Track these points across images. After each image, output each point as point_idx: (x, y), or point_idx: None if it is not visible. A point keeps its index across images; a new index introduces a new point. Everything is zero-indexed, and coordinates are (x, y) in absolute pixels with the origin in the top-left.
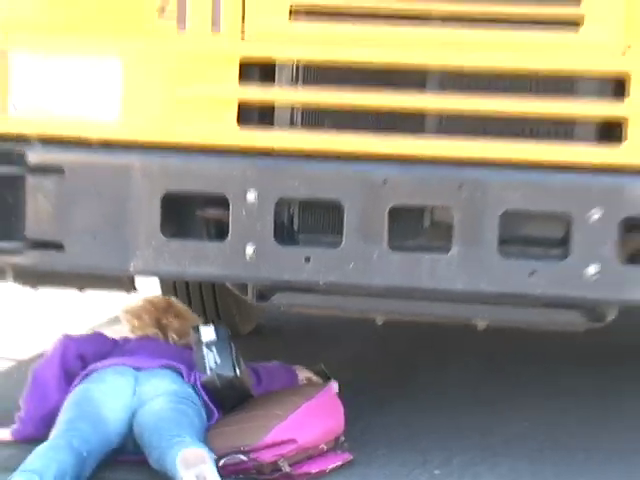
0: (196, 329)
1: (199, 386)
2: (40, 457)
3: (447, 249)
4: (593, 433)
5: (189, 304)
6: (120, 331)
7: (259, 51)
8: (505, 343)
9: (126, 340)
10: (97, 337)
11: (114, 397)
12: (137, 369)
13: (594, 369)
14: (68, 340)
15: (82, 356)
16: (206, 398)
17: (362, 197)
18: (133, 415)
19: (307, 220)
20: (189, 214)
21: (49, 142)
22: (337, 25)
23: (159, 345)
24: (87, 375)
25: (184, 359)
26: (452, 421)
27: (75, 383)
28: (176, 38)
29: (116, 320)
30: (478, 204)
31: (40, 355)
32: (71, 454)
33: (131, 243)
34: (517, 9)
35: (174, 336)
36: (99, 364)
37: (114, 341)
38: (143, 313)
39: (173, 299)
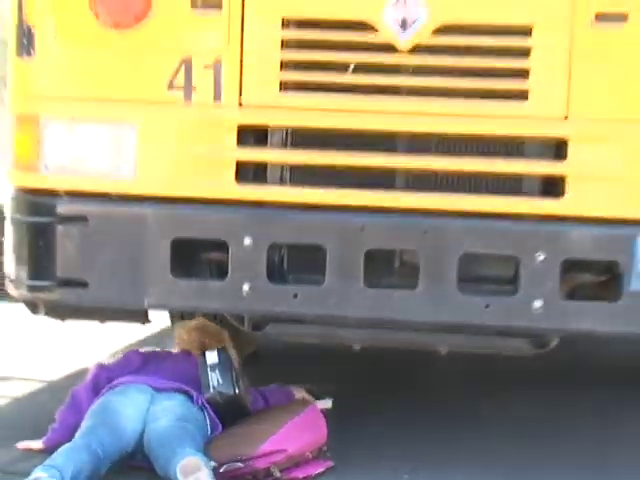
0: (202, 354)
1: (205, 404)
2: (61, 455)
3: (414, 286)
4: (555, 444)
5: None
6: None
7: (254, 119)
8: (478, 364)
9: (154, 355)
10: (125, 360)
11: (132, 409)
12: (156, 389)
13: (545, 387)
14: (100, 367)
15: (111, 379)
16: (212, 414)
17: (342, 242)
18: (144, 428)
19: (295, 261)
20: (195, 256)
21: (75, 196)
22: (321, 97)
23: (181, 365)
24: (112, 388)
25: (199, 379)
26: (422, 434)
27: (101, 393)
28: (183, 108)
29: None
30: (440, 248)
31: (73, 376)
32: (88, 454)
33: (145, 282)
34: (475, 84)
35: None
36: (124, 379)
37: (142, 359)
38: (194, 332)
39: (225, 331)
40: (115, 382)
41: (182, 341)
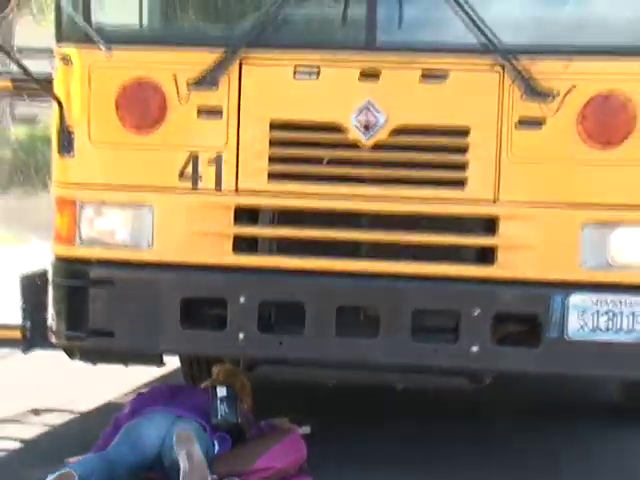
0: (214, 388)
1: (214, 440)
2: (81, 460)
3: (375, 335)
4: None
5: (207, 370)
6: None
7: (247, 202)
8: (429, 397)
9: (178, 388)
10: (157, 391)
11: (154, 431)
12: (178, 416)
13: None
14: (137, 398)
15: (144, 407)
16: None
17: (318, 300)
18: (163, 446)
19: (281, 315)
20: (200, 311)
21: (104, 263)
22: (300, 184)
23: (199, 397)
24: (143, 412)
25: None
26: (398, 456)
27: (138, 413)
28: (191, 193)
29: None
30: (396, 304)
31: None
32: (102, 462)
33: (159, 332)
34: (424, 173)
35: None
36: (153, 407)
37: (170, 391)
38: (228, 372)
39: (243, 377)
40: (146, 410)
41: (217, 376)
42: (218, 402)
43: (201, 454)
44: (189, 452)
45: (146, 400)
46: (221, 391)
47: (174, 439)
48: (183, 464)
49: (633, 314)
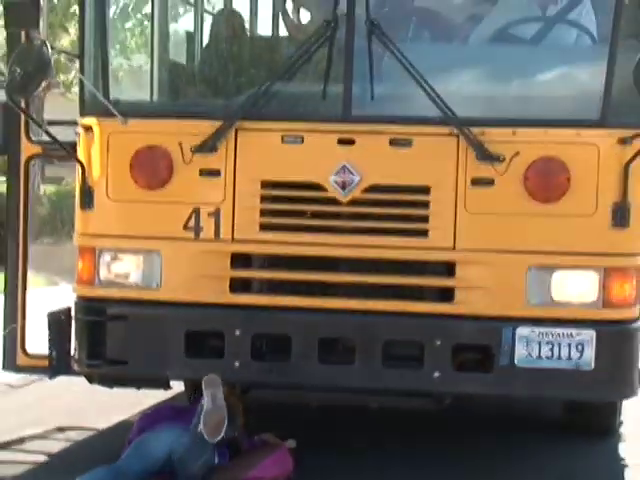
0: None
1: (215, 451)
2: (93, 470)
3: (352, 363)
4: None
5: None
6: None
7: (242, 249)
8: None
9: (184, 408)
10: (164, 410)
11: (161, 443)
12: (184, 429)
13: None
14: (145, 416)
15: (153, 424)
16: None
17: (302, 333)
18: (171, 454)
19: (271, 346)
20: (201, 343)
21: (119, 302)
22: (287, 234)
23: None
24: (155, 427)
25: None
26: (375, 467)
27: (147, 430)
28: (194, 242)
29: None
30: (370, 336)
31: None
32: (112, 473)
33: (167, 361)
34: (393, 225)
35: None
36: (164, 422)
37: (176, 409)
38: (226, 394)
39: (238, 399)
40: (157, 425)
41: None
42: None
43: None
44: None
45: (152, 419)
46: None
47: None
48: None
49: (570, 344)
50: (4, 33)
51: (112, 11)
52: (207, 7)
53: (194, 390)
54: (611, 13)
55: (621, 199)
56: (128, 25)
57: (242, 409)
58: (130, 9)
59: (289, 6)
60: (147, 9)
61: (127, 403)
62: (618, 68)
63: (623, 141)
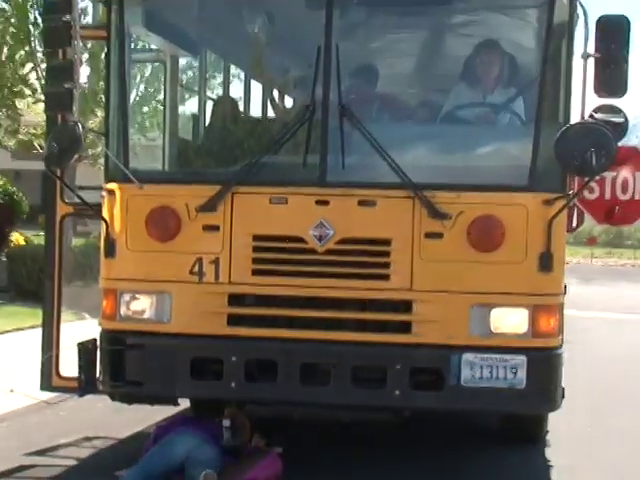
0: (221, 420)
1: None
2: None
3: (328, 384)
4: None
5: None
6: None
7: (237, 290)
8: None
9: (200, 421)
10: (180, 419)
11: (182, 445)
12: (204, 440)
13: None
14: (159, 427)
15: (168, 432)
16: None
17: (286, 358)
18: (187, 459)
19: (261, 369)
20: (204, 367)
21: (136, 334)
22: (274, 278)
23: (213, 426)
24: (178, 431)
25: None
26: (350, 469)
27: (170, 433)
28: (198, 284)
29: None
30: (342, 362)
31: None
32: (140, 470)
33: (176, 382)
34: (361, 270)
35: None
36: (185, 427)
37: (193, 419)
38: (232, 411)
39: (242, 413)
40: (180, 428)
41: (228, 412)
42: (224, 430)
43: None
44: None
45: (166, 429)
46: (225, 422)
47: (201, 477)
48: None
49: (505, 368)
50: (44, 115)
51: (132, 98)
52: (209, 94)
53: (197, 406)
54: (536, 100)
55: (546, 249)
56: (145, 109)
57: (250, 427)
58: (146, 96)
59: (276, 93)
60: (160, 96)
61: (143, 417)
62: (542, 144)
63: (547, 202)
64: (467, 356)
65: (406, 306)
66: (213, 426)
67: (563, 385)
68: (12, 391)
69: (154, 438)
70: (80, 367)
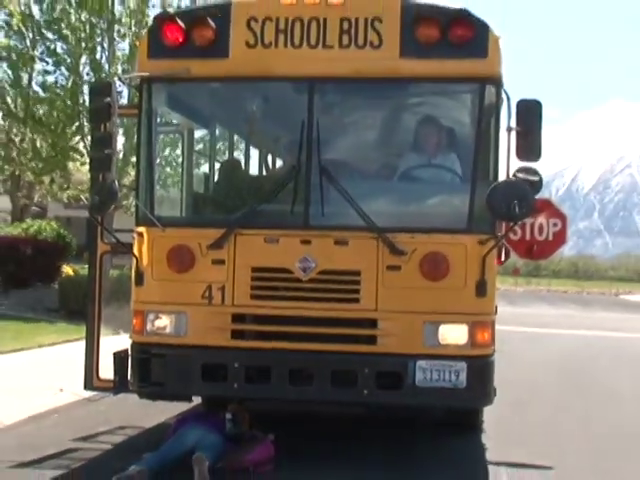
0: (224, 414)
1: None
2: (145, 456)
3: (311, 384)
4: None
5: (216, 404)
6: None
7: (240, 311)
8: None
9: (206, 413)
10: (195, 414)
11: (192, 434)
12: (209, 430)
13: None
14: (179, 418)
15: (185, 422)
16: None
17: (278, 365)
18: (194, 446)
19: (258, 373)
20: (212, 371)
21: (159, 345)
22: (268, 301)
23: (219, 418)
24: (189, 425)
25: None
26: (333, 455)
27: (185, 426)
28: (208, 306)
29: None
30: (322, 367)
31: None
32: (159, 455)
33: (189, 383)
34: (334, 295)
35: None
36: (195, 421)
37: (200, 414)
38: (235, 406)
39: (243, 407)
40: (190, 422)
41: (230, 409)
42: (227, 421)
43: (207, 472)
44: (200, 470)
45: (183, 421)
46: (228, 415)
47: (192, 459)
48: (195, 476)
49: (450, 371)
50: (89, 175)
51: (157, 161)
52: (217, 158)
53: (207, 402)
54: (472, 163)
55: (481, 278)
56: (167, 169)
57: (248, 418)
58: (168, 159)
59: (269, 156)
60: (179, 159)
61: (164, 410)
62: (477, 197)
63: (481, 242)
64: (420, 363)
65: (372, 323)
66: (218, 419)
67: (495, 385)
68: (62, 390)
69: (174, 428)
70: (115, 371)
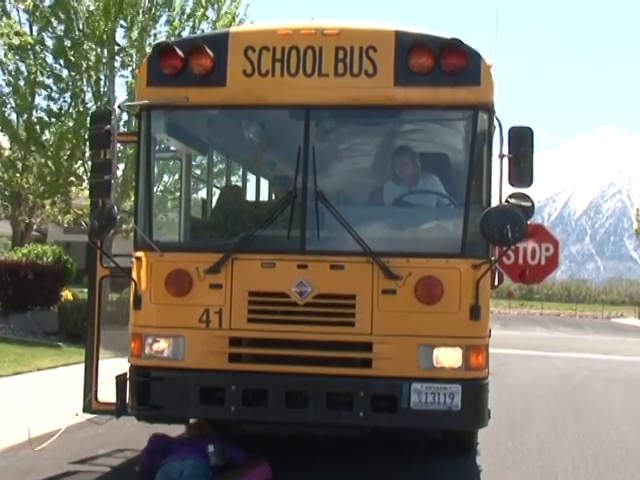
0: (207, 447)
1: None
2: None
3: (307, 407)
4: None
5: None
6: None
7: (236, 335)
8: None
9: (182, 442)
10: (184, 441)
11: (176, 468)
12: (191, 457)
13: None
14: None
15: (165, 446)
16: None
17: (274, 387)
18: (180, 475)
19: (255, 396)
20: (210, 394)
21: (158, 368)
22: (265, 325)
23: (200, 444)
24: (173, 457)
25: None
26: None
27: (166, 459)
28: (205, 330)
29: None
30: (318, 390)
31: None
32: None
33: (188, 406)
34: (332, 319)
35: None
36: (177, 454)
37: (186, 442)
38: (193, 428)
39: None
40: (170, 456)
41: (191, 429)
42: (210, 455)
43: None
44: None
45: (160, 439)
46: (210, 448)
47: None
48: None
49: (445, 394)
50: (89, 200)
51: (155, 187)
52: (214, 183)
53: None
54: (465, 189)
55: (475, 302)
56: (165, 195)
57: (208, 425)
58: (167, 185)
59: (266, 183)
60: (177, 185)
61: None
62: (471, 222)
63: (475, 266)
64: (415, 385)
65: (368, 346)
66: (201, 446)
67: (489, 407)
68: (77, 415)
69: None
70: (116, 394)
